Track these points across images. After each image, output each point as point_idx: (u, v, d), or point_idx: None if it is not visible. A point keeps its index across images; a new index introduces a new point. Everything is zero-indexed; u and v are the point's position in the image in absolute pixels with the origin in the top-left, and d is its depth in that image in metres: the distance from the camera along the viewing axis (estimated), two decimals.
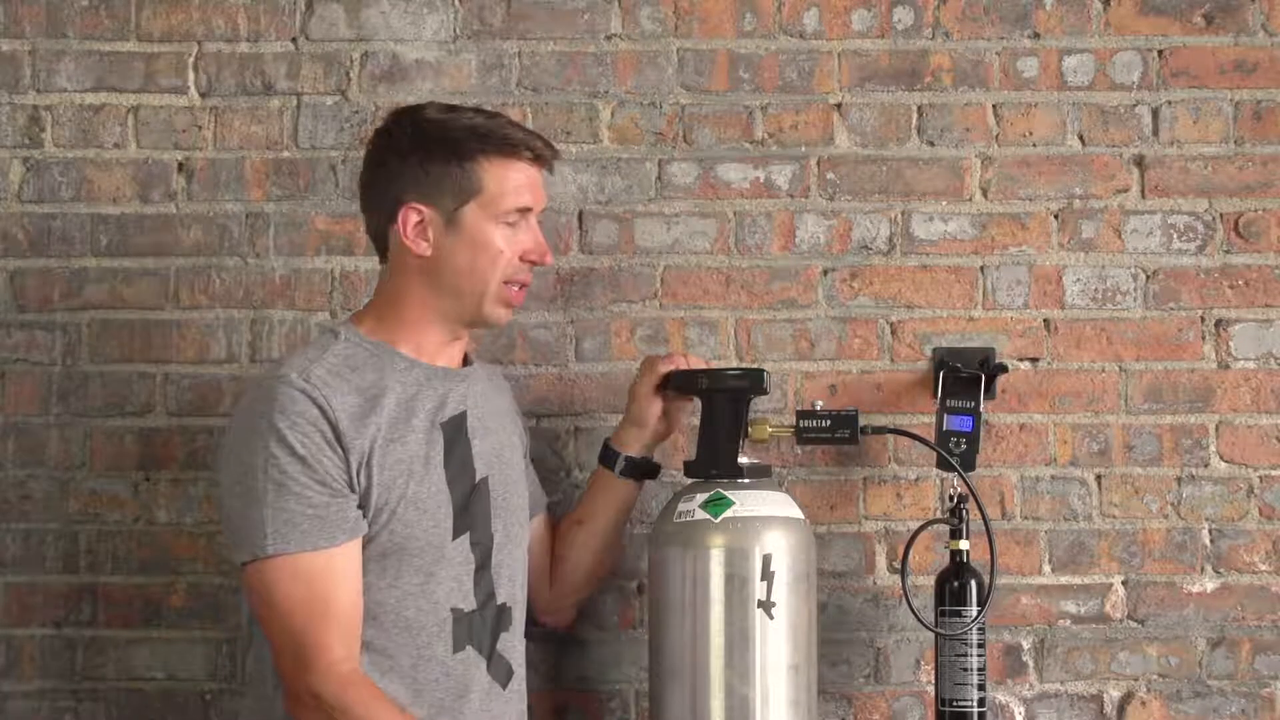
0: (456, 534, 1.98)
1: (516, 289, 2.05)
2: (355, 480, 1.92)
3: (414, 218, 1.99)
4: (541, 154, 2.05)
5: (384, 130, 2.06)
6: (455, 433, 2.02)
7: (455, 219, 2.00)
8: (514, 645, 2.06)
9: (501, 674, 2.03)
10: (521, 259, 2.03)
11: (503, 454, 2.09)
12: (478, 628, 2.00)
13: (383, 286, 2.06)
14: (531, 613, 2.18)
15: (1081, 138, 2.41)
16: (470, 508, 2.00)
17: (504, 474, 2.08)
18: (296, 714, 1.90)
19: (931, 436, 2.25)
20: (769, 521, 2.05)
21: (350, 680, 1.89)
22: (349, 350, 1.98)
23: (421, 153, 2.00)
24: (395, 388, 1.97)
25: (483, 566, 2.01)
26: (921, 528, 2.23)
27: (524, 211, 2.03)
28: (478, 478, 2.03)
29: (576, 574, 2.23)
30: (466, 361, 2.11)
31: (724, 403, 2.12)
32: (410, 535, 1.94)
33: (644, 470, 2.21)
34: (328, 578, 1.89)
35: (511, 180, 2.01)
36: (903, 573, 2.19)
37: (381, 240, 2.05)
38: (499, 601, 2.03)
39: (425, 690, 1.95)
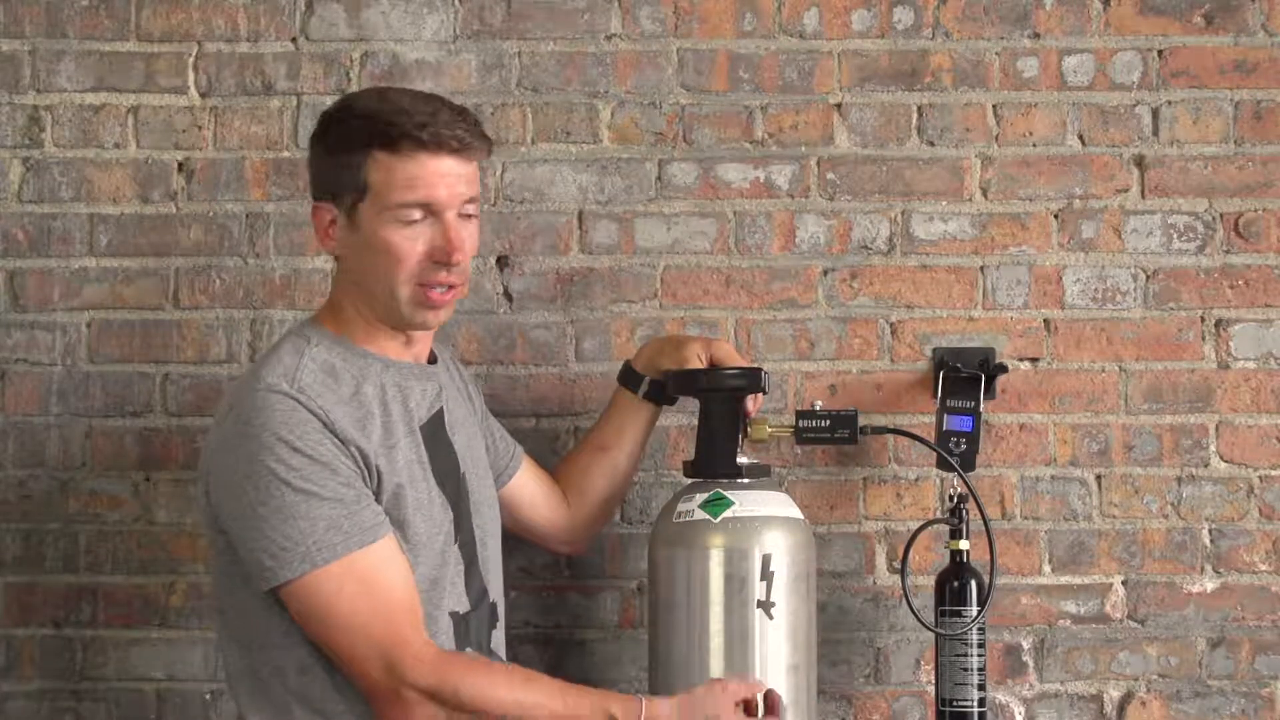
0: (455, 536, 1.95)
1: (438, 290, 1.89)
2: (369, 485, 1.86)
3: (325, 216, 1.91)
4: (442, 142, 1.85)
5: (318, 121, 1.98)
6: (436, 432, 1.97)
7: (354, 218, 1.88)
8: (502, 642, 2.05)
9: None
10: (430, 259, 1.88)
11: (473, 445, 2.06)
12: (475, 629, 1.97)
13: (333, 284, 2.01)
14: (549, 543, 2.25)
15: (1081, 138, 2.41)
16: (458, 506, 1.97)
17: (477, 467, 2.05)
18: (403, 716, 1.81)
19: (931, 436, 2.25)
20: (768, 521, 2.04)
21: (439, 660, 1.83)
22: (324, 355, 1.89)
23: (321, 147, 1.92)
24: (377, 392, 1.90)
25: (471, 565, 1.98)
26: (921, 528, 2.23)
27: (423, 207, 1.86)
28: (460, 474, 1.99)
29: (603, 501, 2.23)
30: (433, 358, 2.04)
31: (722, 402, 2.11)
32: (419, 543, 1.89)
33: (664, 395, 2.20)
34: (383, 571, 1.82)
35: (400, 174, 1.84)
36: (903, 573, 2.19)
37: None
38: (490, 599, 2.01)
39: None
